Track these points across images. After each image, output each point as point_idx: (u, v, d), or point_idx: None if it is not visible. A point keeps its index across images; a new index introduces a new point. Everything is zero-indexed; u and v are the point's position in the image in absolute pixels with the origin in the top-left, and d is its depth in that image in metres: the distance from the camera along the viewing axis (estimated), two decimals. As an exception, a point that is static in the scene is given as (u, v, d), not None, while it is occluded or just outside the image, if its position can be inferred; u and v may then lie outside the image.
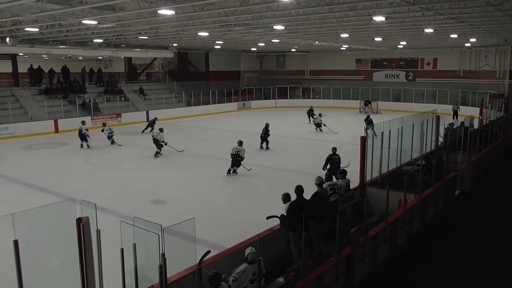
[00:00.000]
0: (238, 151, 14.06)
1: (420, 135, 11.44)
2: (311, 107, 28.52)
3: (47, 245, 4.81)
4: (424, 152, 11.40)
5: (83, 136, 19.35)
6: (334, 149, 12.34)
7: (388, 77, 36.84)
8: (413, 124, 11.36)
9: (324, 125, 23.06)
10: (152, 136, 17.94)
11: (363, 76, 37.98)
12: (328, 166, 12.06)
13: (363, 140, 9.83)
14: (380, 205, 8.87)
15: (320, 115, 23.87)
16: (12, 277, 4.08)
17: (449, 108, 28.66)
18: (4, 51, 24.43)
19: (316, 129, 23.44)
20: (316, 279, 5.86)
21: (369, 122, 21.19)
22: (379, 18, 15.15)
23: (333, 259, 6.26)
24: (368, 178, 10.01)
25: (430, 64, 34.80)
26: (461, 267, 8.04)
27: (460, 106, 28.84)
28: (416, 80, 35.35)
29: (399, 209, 8.51)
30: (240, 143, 14.32)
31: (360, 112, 33.01)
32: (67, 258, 4.76)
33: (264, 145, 19.02)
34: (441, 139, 13.75)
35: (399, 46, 31.04)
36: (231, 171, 14.24)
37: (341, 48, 33.51)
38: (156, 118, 24.25)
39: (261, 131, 19.16)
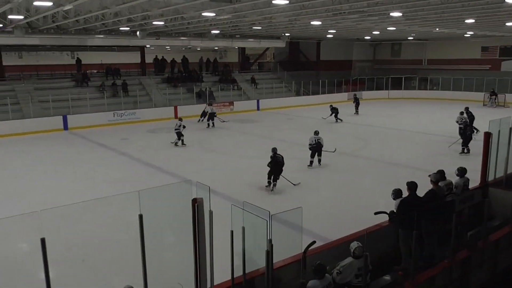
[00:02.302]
0: (318, 140, 14.06)
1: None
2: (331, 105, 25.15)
3: (166, 221, 5.24)
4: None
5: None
6: (275, 149, 11.82)
7: (521, 66, 32.89)
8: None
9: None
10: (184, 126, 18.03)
11: (489, 66, 34.38)
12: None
13: (487, 135, 8.96)
14: (504, 208, 8.05)
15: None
16: (136, 249, 4.53)
17: None
18: (134, 44, 26.98)
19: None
20: (427, 280, 5.57)
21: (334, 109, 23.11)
22: (513, 1, 13.57)
23: (446, 262, 5.87)
24: (491, 177, 9.13)
25: None
26: None
27: None
28: (556, 70, 31.07)
29: (528, 214, 7.64)
30: (317, 132, 14.40)
31: (484, 105, 30.03)
32: (182, 235, 5.13)
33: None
34: None
35: (536, 31, 27.51)
36: (312, 162, 14.21)
37: (465, 35, 30.69)
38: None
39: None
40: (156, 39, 25.87)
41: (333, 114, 23.77)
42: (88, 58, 37.66)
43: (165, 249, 5.97)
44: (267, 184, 11.94)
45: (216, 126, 22.75)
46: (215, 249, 4.90)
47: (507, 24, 21.81)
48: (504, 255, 6.90)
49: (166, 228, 5.62)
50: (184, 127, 17.86)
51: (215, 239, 4.85)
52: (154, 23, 19.40)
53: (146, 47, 31.58)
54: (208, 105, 23.58)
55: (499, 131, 9.68)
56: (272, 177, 11.78)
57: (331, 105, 24.60)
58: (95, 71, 35.07)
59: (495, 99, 29.81)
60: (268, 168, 11.82)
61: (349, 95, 34.54)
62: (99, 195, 10.43)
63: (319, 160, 14.31)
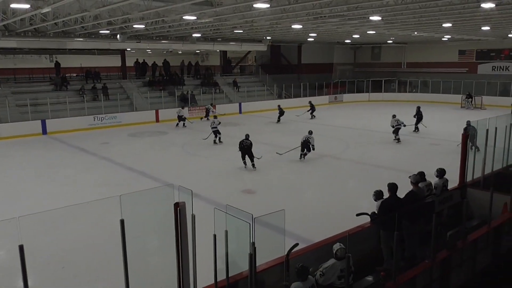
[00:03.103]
0: (308, 138, 15.31)
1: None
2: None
3: (148, 226, 5.20)
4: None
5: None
6: (247, 135, 14.62)
7: (496, 69, 33.68)
8: (524, 121, 10.31)
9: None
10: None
11: (467, 69, 35.14)
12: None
13: (465, 137, 9.16)
14: (481, 208, 8.22)
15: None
16: (118, 254, 4.48)
17: None
18: (114, 47, 26.70)
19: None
20: (408, 281, 5.64)
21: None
22: (488, 5, 13.89)
23: (427, 262, 5.96)
24: (469, 178, 9.32)
25: (548, 54, 31.17)
26: None
27: None
28: (530, 73, 31.92)
29: (504, 213, 7.81)
30: (310, 132, 15.71)
31: (462, 107, 30.69)
32: (164, 239, 5.10)
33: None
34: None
35: (510, 35, 28.21)
36: (302, 156, 15.50)
37: (443, 39, 31.33)
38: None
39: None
40: (137, 42, 25.64)
41: (279, 115, 25.25)
42: (67, 61, 37.09)
43: (148, 254, 5.92)
44: (243, 165, 14.48)
45: (199, 129, 22.71)
46: (198, 253, 4.88)
47: (483, 28, 22.39)
48: (482, 255, 7.04)
49: (149, 232, 5.58)
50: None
51: (198, 243, 4.83)
52: (134, 26, 19.24)
53: (126, 50, 31.27)
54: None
55: (476, 132, 9.91)
56: (245, 159, 14.40)
57: (279, 105, 25.87)
58: (75, 74, 34.56)
59: (471, 101, 30.48)
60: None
61: (330, 97, 34.92)
62: (80, 200, 10.28)
63: (304, 155, 15.47)
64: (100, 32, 21.98)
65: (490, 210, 7.25)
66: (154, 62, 32.40)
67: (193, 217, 4.75)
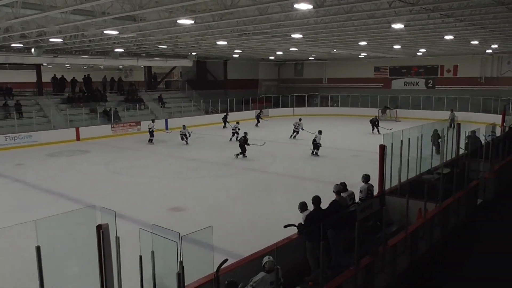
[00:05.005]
0: (315, 137, 18.84)
1: (440, 143, 11.26)
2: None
3: (68, 251, 4.89)
4: (444, 161, 11.21)
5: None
6: (245, 133, 19.39)
7: (407, 84, 36.50)
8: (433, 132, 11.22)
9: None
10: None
11: (382, 84, 37.70)
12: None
13: (382, 148, 9.74)
14: (399, 214, 8.75)
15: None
16: (34, 283, 4.16)
17: (470, 116, 28.19)
18: (29, 61, 25.12)
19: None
20: (335, 288, 5.80)
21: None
22: (398, 26, 15.06)
23: (352, 269, 6.19)
24: (387, 186, 9.90)
25: (451, 71, 34.36)
26: (484, 278, 7.84)
27: (481, 114, 28.50)
28: (436, 88, 34.94)
29: (419, 219, 8.38)
30: (320, 132, 19.15)
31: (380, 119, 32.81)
32: (87, 264, 4.82)
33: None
34: (462, 148, 13.50)
35: (418, 54, 30.77)
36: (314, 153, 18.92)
37: (359, 56, 33.39)
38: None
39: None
40: (54, 57, 24.35)
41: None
42: (-26, 76, 34.21)
43: (68, 281, 5.54)
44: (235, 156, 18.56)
45: (124, 147, 21.97)
46: (123, 276, 4.67)
47: (395, 46, 24.17)
48: (401, 259, 7.46)
49: (69, 258, 5.23)
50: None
51: (124, 266, 4.63)
52: (51, 40, 18.28)
53: (42, 65, 29.52)
54: (152, 121, 24.23)
55: (392, 143, 10.58)
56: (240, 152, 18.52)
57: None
58: (-17, 91, 31.91)
59: (388, 113, 33.06)
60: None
61: (256, 112, 35.51)
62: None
63: (313, 152, 18.89)
64: (12, 45, 20.60)
65: (407, 216, 7.73)
66: (74, 77, 30.93)
67: (118, 239, 4.55)
